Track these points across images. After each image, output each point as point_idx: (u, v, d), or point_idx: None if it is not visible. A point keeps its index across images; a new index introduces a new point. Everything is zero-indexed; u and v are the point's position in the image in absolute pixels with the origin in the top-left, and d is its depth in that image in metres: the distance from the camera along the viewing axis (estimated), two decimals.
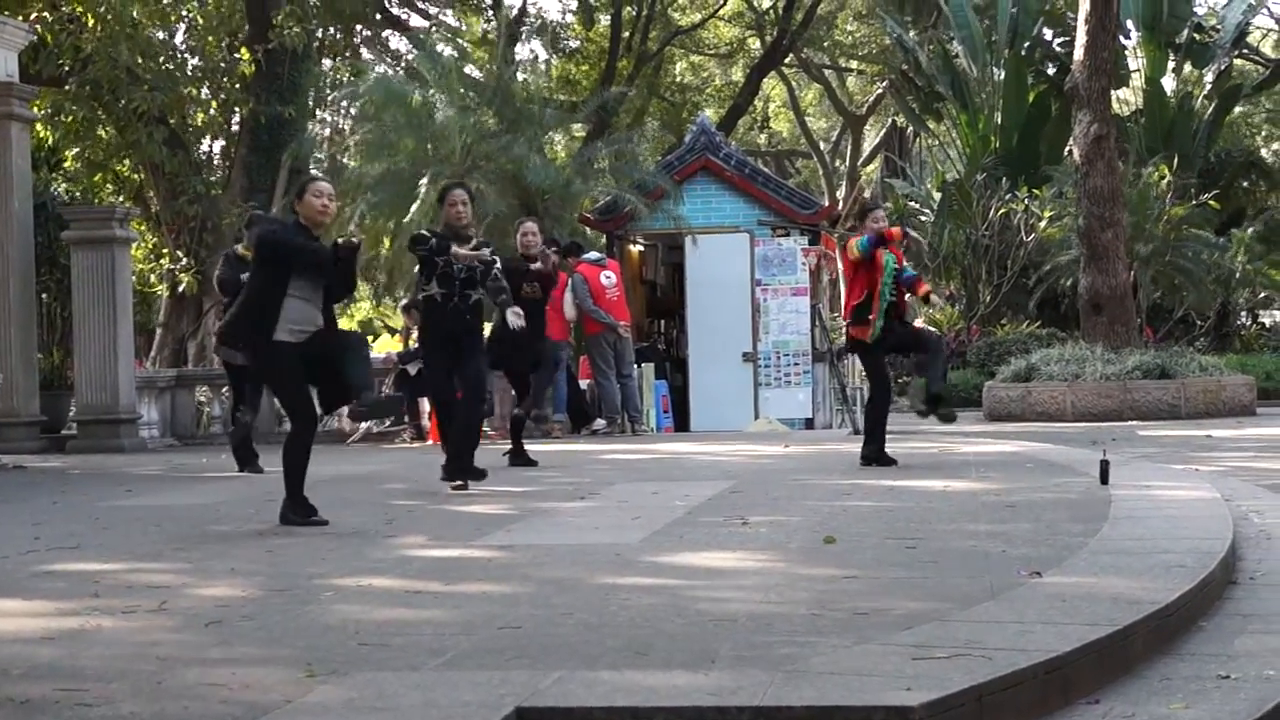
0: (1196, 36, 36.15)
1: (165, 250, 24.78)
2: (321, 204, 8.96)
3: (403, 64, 31.04)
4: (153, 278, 25.20)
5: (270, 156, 24.39)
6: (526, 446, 13.08)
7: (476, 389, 10.92)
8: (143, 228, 24.94)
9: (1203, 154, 34.48)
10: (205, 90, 24.76)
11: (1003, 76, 34.94)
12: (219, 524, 9.17)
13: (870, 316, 11.85)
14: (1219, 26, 36.49)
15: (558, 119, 22.38)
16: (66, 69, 21.97)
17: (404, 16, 34.40)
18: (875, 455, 12.00)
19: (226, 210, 23.43)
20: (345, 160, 23.62)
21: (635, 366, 18.60)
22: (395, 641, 5.12)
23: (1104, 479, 9.71)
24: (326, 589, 6.30)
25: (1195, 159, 33.54)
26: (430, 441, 17.55)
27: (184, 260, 24.11)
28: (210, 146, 27.30)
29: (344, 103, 24.07)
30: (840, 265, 12.49)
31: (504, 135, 20.29)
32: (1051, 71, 36.33)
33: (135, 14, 22.63)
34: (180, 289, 24.01)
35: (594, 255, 18.57)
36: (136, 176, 25.17)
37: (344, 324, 23.89)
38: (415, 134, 20.57)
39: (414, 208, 19.46)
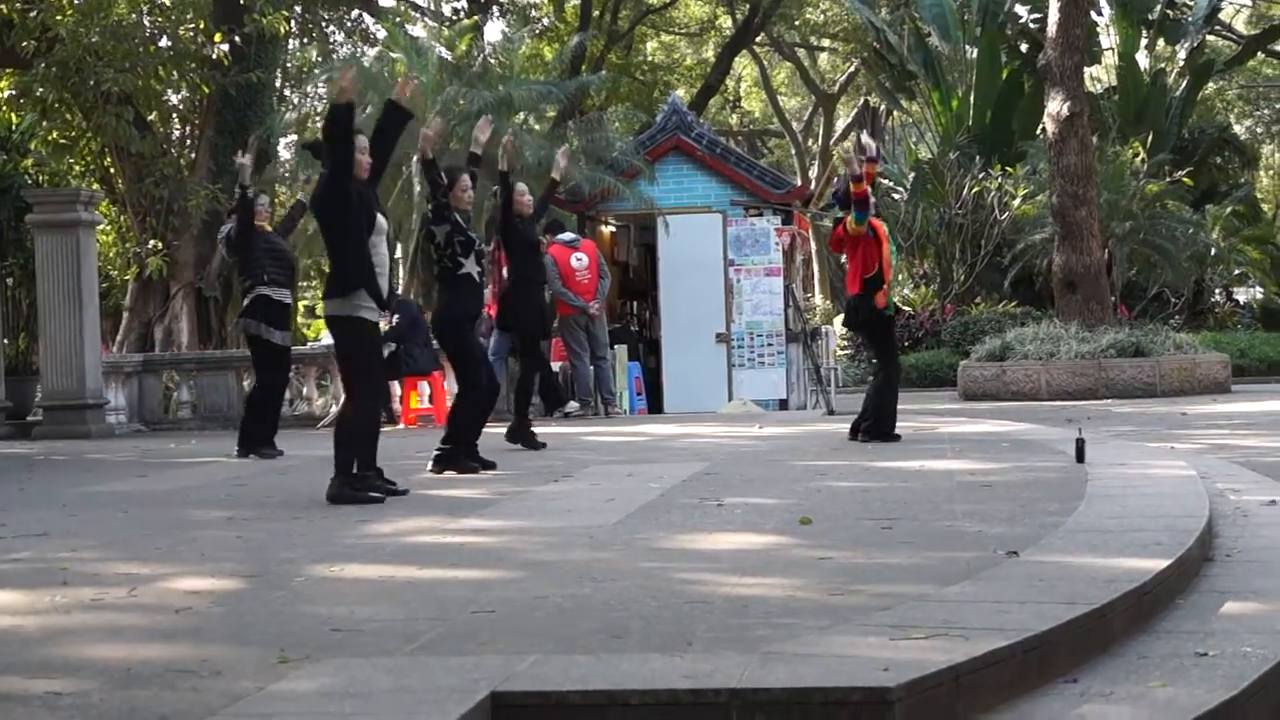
0: (1169, 13, 36.32)
1: (132, 233, 24.64)
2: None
3: (374, 44, 30.92)
4: (120, 261, 25.06)
5: (237, 138, 24.25)
6: (495, 430, 13.01)
7: (492, 374, 11.31)
8: (109, 210, 24.80)
9: (1176, 131, 34.62)
10: (175, 73, 24.58)
11: (976, 54, 35.02)
12: (188, 510, 9.12)
13: (885, 286, 12.01)
14: (1191, 3, 36.64)
15: (532, 101, 22.32)
16: (32, 51, 21.80)
17: None
18: (887, 432, 12.08)
19: (193, 192, 23.30)
20: None
21: (610, 348, 18.58)
22: (368, 627, 5.10)
23: (1080, 457, 9.74)
24: (298, 575, 6.28)
25: (1169, 136, 33.68)
26: (401, 426, 17.52)
27: (151, 243, 23.97)
28: (182, 130, 27.12)
29: (314, 85, 23.94)
30: (843, 241, 12.47)
31: (483, 116, 20.23)
32: (1025, 49, 36.46)
33: None
34: (147, 272, 23.86)
35: (568, 236, 18.52)
36: (103, 159, 25.02)
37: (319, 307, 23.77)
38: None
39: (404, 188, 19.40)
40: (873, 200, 12.28)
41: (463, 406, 10.98)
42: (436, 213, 10.96)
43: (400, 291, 20.40)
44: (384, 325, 17.65)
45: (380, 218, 9.36)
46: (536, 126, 25.69)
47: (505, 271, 13.61)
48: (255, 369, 13.84)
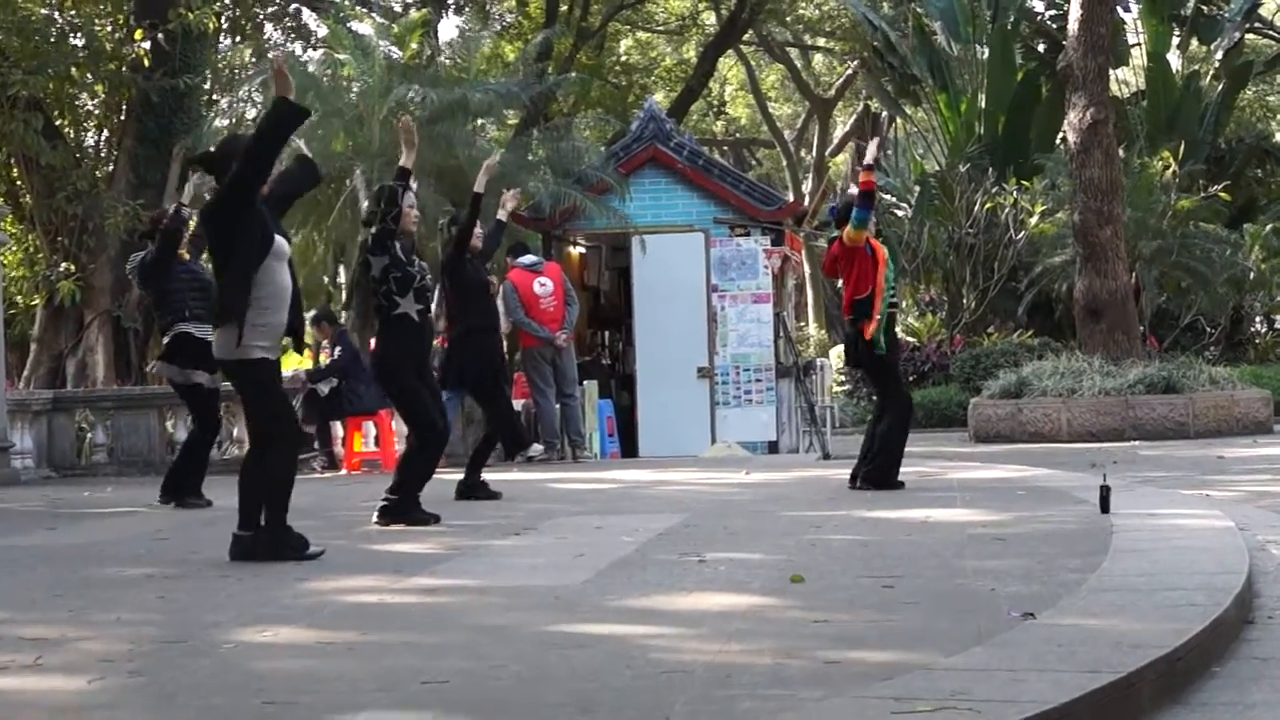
0: (1204, 9, 36.48)
1: (41, 255, 24.59)
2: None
3: (315, 43, 30.97)
4: (27, 286, 25.00)
5: (160, 147, 24.22)
6: (445, 477, 12.99)
7: (444, 412, 11.24)
8: (14, 229, 24.75)
9: (1211, 140, 34.76)
10: (90, 74, 24.57)
11: (987, 55, 35.18)
12: (103, 567, 9.08)
13: (874, 314, 12.01)
14: None
15: (491, 105, 22.30)
16: None
17: None
18: (890, 479, 12.13)
19: (111, 209, 23.22)
20: None
21: (578, 385, 18.57)
22: (304, 699, 5.09)
23: (1104, 507, 9.75)
24: (226, 640, 6.26)
25: (1203, 145, 33.83)
26: (344, 471, 17.50)
27: (63, 266, 23.91)
28: (98, 139, 27.11)
29: (247, 89, 23.91)
30: (838, 262, 12.50)
31: (435, 123, 20.26)
32: (1042, 49, 36.67)
33: None
34: (58, 299, 23.79)
35: (530, 259, 18.48)
36: (9, 171, 24.98)
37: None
38: (329, 123, 20.52)
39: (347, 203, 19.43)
40: (874, 209, 12.34)
41: (415, 453, 10.93)
42: (378, 240, 10.73)
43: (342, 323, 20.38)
44: (325, 359, 17.70)
45: (280, 239, 9.14)
46: (497, 133, 25.73)
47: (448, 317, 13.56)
48: (193, 412, 13.80)
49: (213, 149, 9.48)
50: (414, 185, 11.23)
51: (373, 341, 11.60)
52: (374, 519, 10.63)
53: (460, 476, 12.84)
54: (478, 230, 13.11)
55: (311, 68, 22.10)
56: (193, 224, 13.28)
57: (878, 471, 12.22)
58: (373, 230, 10.84)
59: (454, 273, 12.99)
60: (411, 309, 10.73)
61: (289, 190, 9.59)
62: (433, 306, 11.46)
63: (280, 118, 8.98)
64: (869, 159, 12.66)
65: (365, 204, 18.76)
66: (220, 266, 8.97)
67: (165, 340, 13.32)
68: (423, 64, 22.34)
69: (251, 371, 8.88)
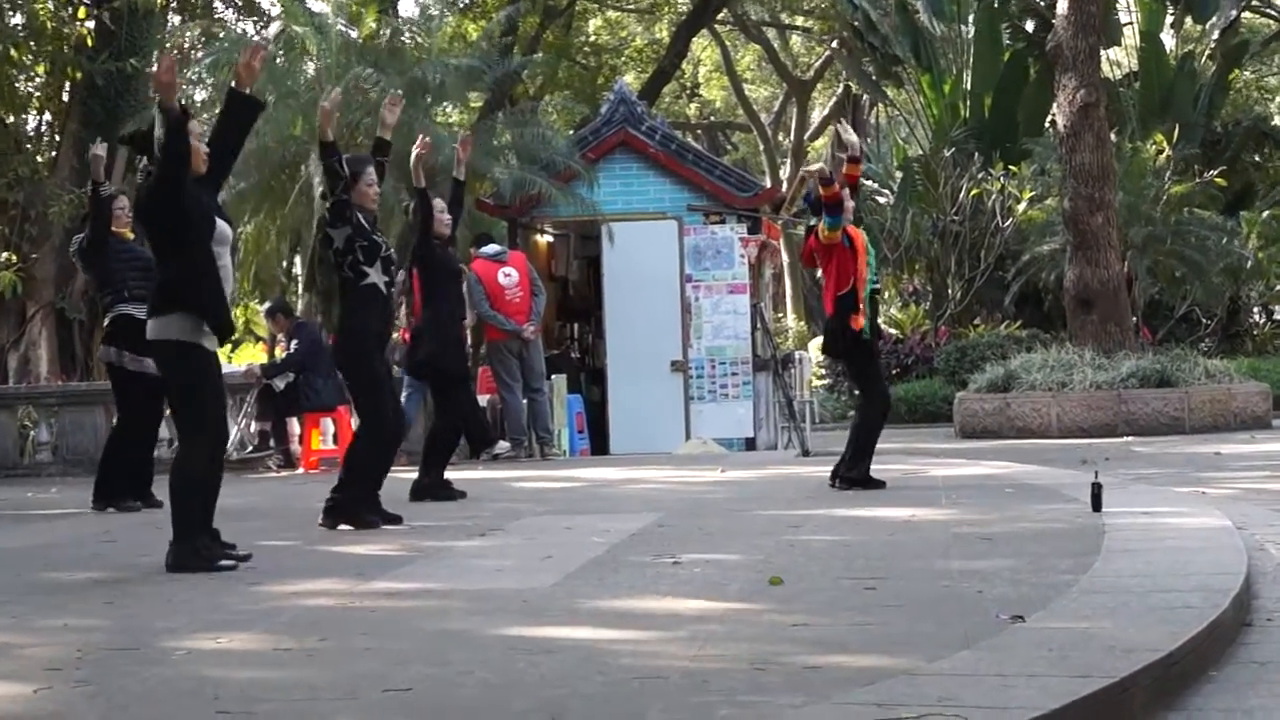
0: None
1: None
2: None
3: (266, 20, 30.86)
4: None
5: (106, 132, 24.10)
6: (400, 475, 12.97)
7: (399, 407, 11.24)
8: None
9: (1205, 123, 34.82)
10: (30, 56, 24.46)
11: (973, 34, 35.21)
12: (49, 571, 9.07)
13: (860, 307, 12.06)
14: None
15: (454, 87, 22.23)
16: None
17: None
18: (863, 477, 12.15)
19: (54, 197, 23.15)
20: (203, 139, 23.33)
21: (546, 379, 18.57)
22: (262, 709, 5.08)
23: (1096, 505, 9.78)
24: (179, 647, 6.25)
25: (1197, 128, 33.87)
26: (301, 470, 17.48)
27: (3, 256, 23.83)
28: (38, 120, 27.00)
29: (197, 70, 23.81)
30: (816, 253, 12.52)
31: (390, 91, 20.22)
32: (1030, 27, 36.66)
33: None
34: None
35: (493, 248, 18.47)
36: None
37: None
38: (283, 106, 20.48)
39: (302, 190, 19.37)
40: (851, 205, 12.37)
41: (363, 447, 10.83)
42: (335, 212, 10.65)
43: (300, 312, 20.34)
44: (280, 352, 17.66)
45: (222, 223, 9.04)
46: (460, 117, 25.70)
47: (416, 305, 13.57)
48: (117, 404, 13.64)
49: (148, 129, 9.28)
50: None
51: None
52: (319, 519, 10.58)
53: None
54: (447, 217, 13.06)
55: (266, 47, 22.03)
56: (118, 199, 13.30)
57: (853, 472, 12.24)
58: (328, 204, 10.77)
59: (424, 258, 12.95)
60: (379, 280, 10.67)
61: (228, 149, 9.35)
62: (397, 284, 11.45)
63: (238, 116, 8.97)
64: (854, 150, 12.66)
65: (318, 188, 18.74)
66: (158, 252, 8.93)
67: (106, 322, 13.27)
68: (381, 43, 22.27)
69: (194, 358, 8.75)
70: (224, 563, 8.58)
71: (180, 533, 8.65)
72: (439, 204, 13.02)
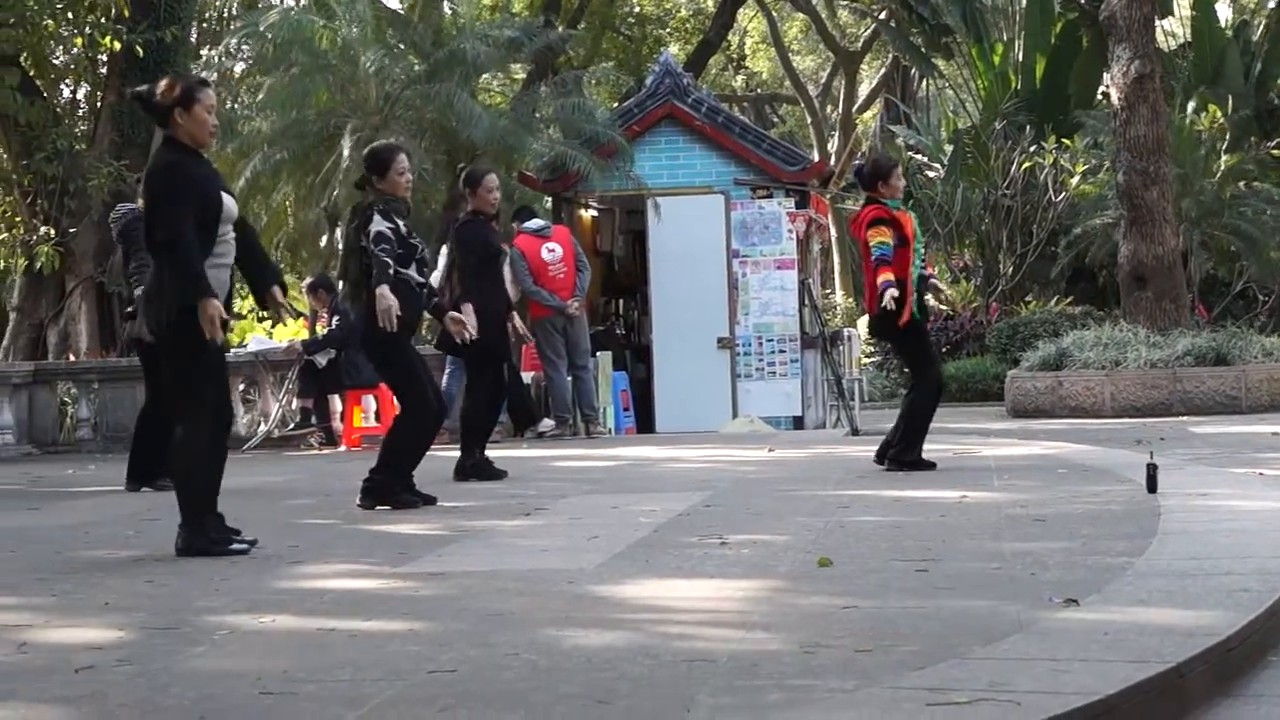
0: None
1: (19, 218, 24.60)
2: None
3: None
4: (4, 251, 25.02)
5: None
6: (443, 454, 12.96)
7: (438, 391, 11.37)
8: None
9: (1261, 93, 34.58)
10: (68, 27, 24.53)
11: (1024, 3, 35.02)
12: (90, 549, 9.11)
13: (908, 299, 11.99)
14: None
15: (493, 59, 22.19)
16: None
17: None
18: (914, 460, 12.12)
19: (93, 170, 23.23)
20: (239, 110, 23.41)
21: (592, 356, 18.55)
22: (305, 689, 5.10)
23: (1151, 486, 9.75)
24: (220, 627, 6.28)
25: (1249, 99, 33.63)
26: (342, 447, 17.52)
27: (42, 230, 23.93)
28: (74, 92, 27.10)
29: (236, 41, 23.83)
30: (859, 237, 12.46)
31: (431, 80, 20.22)
32: None
33: None
34: (38, 265, 23.80)
35: (535, 224, 18.44)
36: None
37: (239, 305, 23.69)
38: (324, 79, 20.49)
39: (338, 164, 19.37)
40: (901, 184, 12.35)
41: (406, 431, 10.77)
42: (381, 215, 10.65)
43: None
44: (321, 328, 17.71)
45: (228, 198, 8.99)
46: (501, 90, 25.68)
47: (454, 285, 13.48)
48: (146, 381, 13.55)
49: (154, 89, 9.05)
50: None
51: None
52: (357, 500, 10.59)
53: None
54: (497, 194, 13.03)
55: (304, 20, 21.98)
56: None
57: (902, 451, 12.21)
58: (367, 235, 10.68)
59: (466, 237, 12.89)
60: (412, 276, 10.70)
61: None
62: (436, 276, 11.44)
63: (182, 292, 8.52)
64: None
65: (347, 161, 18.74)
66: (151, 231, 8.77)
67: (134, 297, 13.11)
68: (417, 15, 22.23)
69: (182, 339, 8.48)
70: (235, 546, 8.52)
71: (187, 516, 8.57)
72: (491, 180, 12.98)
